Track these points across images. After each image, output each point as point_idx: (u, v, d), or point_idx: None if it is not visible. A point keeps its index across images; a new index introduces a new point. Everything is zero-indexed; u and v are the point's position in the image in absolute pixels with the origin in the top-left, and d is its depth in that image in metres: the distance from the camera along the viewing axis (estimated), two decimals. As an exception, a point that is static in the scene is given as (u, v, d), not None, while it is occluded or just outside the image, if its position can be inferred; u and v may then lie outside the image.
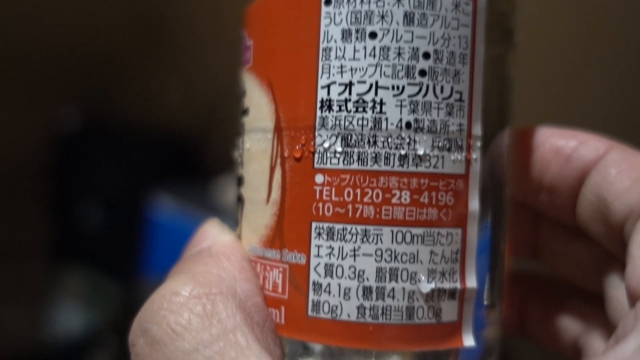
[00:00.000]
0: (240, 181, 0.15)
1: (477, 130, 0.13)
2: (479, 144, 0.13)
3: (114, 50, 0.56)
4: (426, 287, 0.12)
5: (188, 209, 0.41)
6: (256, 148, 0.14)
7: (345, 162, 0.12)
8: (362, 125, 0.12)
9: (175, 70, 0.58)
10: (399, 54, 0.12)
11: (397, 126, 0.12)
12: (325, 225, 0.12)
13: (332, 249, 0.12)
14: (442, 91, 0.12)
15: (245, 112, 0.14)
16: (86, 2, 0.54)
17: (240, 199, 0.14)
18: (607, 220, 0.13)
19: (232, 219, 0.15)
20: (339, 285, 0.12)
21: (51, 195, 0.55)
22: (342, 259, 0.12)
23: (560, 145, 0.14)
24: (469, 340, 0.12)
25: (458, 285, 0.12)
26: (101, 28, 0.54)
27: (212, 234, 0.14)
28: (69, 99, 0.54)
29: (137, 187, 0.48)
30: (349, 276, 0.12)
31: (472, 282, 0.13)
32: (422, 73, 0.12)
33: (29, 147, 0.52)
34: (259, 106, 0.14)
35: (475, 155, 0.13)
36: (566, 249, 0.15)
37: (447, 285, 0.12)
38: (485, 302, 0.13)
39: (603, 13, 0.32)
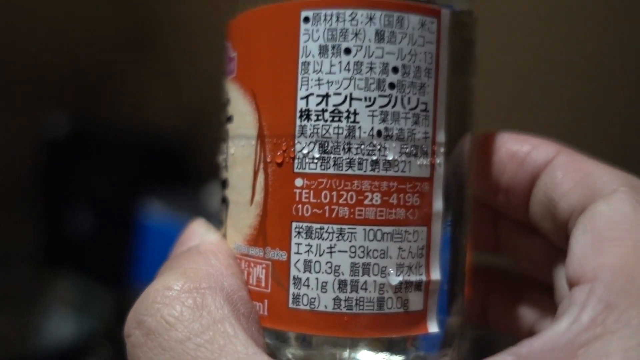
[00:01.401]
0: (225, 184, 0.16)
1: (441, 137, 0.14)
2: (442, 149, 0.14)
3: (104, 56, 0.55)
4: (395, 280, 0.13)
5: (178, 215, 0.41)
6: (240, 153, 0.15)
7: (323, 167, 0.13)
8: (338, 134, 0.13)
9: (165, 76, 0.58)
10: (371, 68, 0.13)
11: (369, 134, 0.13)
12: (305, 224, 0.13)
13: (311, 246, 0.13)
14: (409, 102, 0.14)
15: (229, 119, 0.15)
16: (75, 8, 0.53)
17: (225, 201, 0.16)
18: (554, 218, 0.14)
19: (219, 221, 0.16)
20: (317, 279, 0.13)
21: (41, 202, 0.54)
22: (320, 255, 0.13)
23: (515, 150, 0.15)
24: (433, 327, 0.14)
25: (423, 277, 0.14)
26: (90, 34, 0.54)
27: (200, 233, 0.15)
28: (58, 105, 0.54)
29: (127, 193, 0.48)
30: (325, 271, 0.13)
31: (436, 274, 0.14)
32: (392, 86, 0.14)
33: (18, 153, 0.52)
34: (242, 114, 0.15)
35: (439, 160, 0.14)
36: (522, 244, 0.17)
37: (413, 278, 0.14)
38: (448, 293, 0.14)
39: (560, 22, 0.34)
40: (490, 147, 0.16)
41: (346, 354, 0.14)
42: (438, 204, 0.14)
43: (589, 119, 0.33)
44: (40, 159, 0.54)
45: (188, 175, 0.56)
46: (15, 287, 0.50)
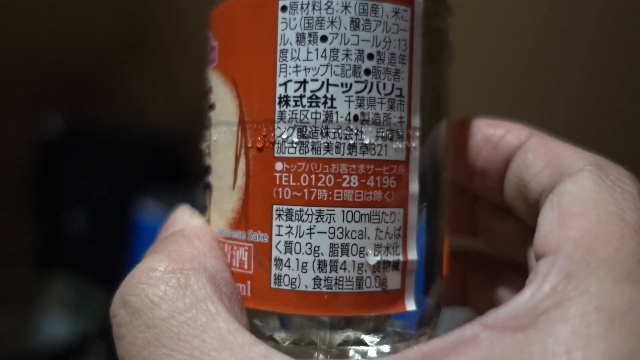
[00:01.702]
0: (207, 170, 0.16)
1: (416, 121, 0.15)
2: (417, 133, 0.15)
3: (99, 56, 0.55)
4: (373, 259, 0.14)
5: None
6: (222, 140, 0.15)
7: (301, 151, 0.14)
8: (316, 119, 0.14)
9: (160, 76, 0.58)
10: (347, 55, 0.14)
11: (346, 119, 0.14)
12: (285, 207, 0.14)
13: (291, 228, 0.14)
14: (384, 88, 0.14)
15: (212, 107, 0.16)
16: (70, 8, 0.53)
17: (208, 187, 0.16)
18: (526, 199, 0.15)
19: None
20: (298, 260, 0.14)
21: (36, 202, 0.54)
22: (300, 236, 0.14)
23: (490, 134, 0.16)
24: (411, 306, 0.14)
25: (401, 257, 0.14)
26: (86, 34, 0.54)
27: (184, 218, 0.15)
28: (53, 105, 0.53)
29: (123, 193, 0.48)
30: (306, 252, 0.14)
31: (413, 255, 0.14)
32: (367, 72, 0.14)
33: (13, 153, 0.52)
34: (224, 102, 0.15)
35: (415, 143, 0.15)
36: (498, 226, 0.17)
37: (391, 258, 0.14)
38: (425, 273, 0.15)
39: (537, 12, 0.34)
40: (466, 132, 0.17)
41: (327, 331, 0.14)
42: (414, 186, 0.15)
43: (565, 106, 0.34)
44: (35, 159, 0.54)
45: (183, 174, 0.56)
46: (10, 287, 0.50)
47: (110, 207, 0.51)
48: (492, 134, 0.16)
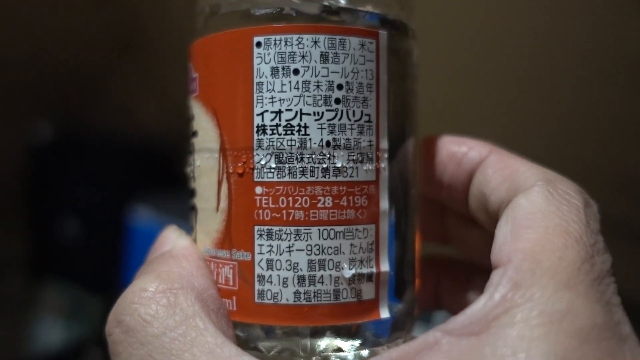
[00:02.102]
0: (193, 193, 0.17)
1: (384, 144, 0.16)
2: (386, 155, 0.16)
3: (89, 61, 0.55)
4: (348, 273, 0.15)
5: (167, 220, 0.42)
6: (205, 165, 0.16)
7: (279, 175, 0.15)
8: (291, 145, 0.15)
9: (151, 80, 0.58)
10: (318, 86, 0.15)
11: (319, 145, 0.15)
12: (265, 227, 0.15)
13: (272, 247, 0.15)
14: (354, 115, 0.15)
15: (194, 134, 0.17)
16: (59, 13, 0.53)
17: (194, 208, 0.17)
18: (487, 211, 0.16)
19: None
20: (279, 276, 0.15)
21: (28, 210, 0.54)
22: (280, 254, 0.15)
23: (454, 151, 0.17)
24: (385, 313, 0.16)
25: (374, 270, 0.16)
26: (75, 39, 0.54)
27: (172, 239, 0.16)
28: (44, 111, 0.53)
29: (115, 199, 0.48)
30: (286, 268, 0.15)
31: (385, 266, 0.16)
32: (337, 101, 0.15)
33: (3, 160, 0.52)
34: (205, 130, 0.16)
35: (384, 164, 0.16)
36: (466, 235, 0.19)
37: (365, 270, 0.15)
38: (397, 282, 0.16)
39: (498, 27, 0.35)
40: (433, 149, 0.18)
41: (308, 340, 0.15)
42: (384, 204, 0.16)
43: (526, 122, 0.35)
44: (26, 167, 0.53)
45: (176, 179, 0.56)
46: (4, 295, 0.50)
47: (102, 213, 0.51)
48: (456, 151, 0.17)
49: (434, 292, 0.20)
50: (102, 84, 0.57)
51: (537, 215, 0.14)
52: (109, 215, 0.48)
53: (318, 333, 0.15)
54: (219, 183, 0.16)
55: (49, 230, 0.53)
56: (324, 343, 0.15)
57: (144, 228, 0.44)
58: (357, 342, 0.16)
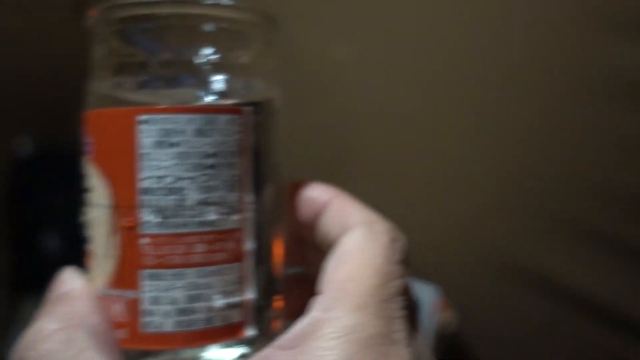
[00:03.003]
0: (88, 239, 0.20)
1: (250, 197, 0.20)
2: (250, 206, 0.20)
3: (69, 76, 0.53)
4: (219, 303, 0.19)
5: None
6: (98, 217, 0.19)
7: (161, 228, 0.19)
8: (171, 204, 0.19)
9: None
10: (193, 155, 0.19)
11: (194, 203, 0.19)
12: (151, 271, 0.19)
13: (156, 286, 0.19)
14: (223, 177, 0.19)
15: (88, 189, 0.20)
16: (36, 27, 0.50)
17: (89, 252, 0.20)
18: (328, 246, 0.21)
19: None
20: (162, 309, 0.19)
21: (8, 225, 0.51)
22: (163, 292, 0.19)
23: (307, 196, 0.22)
24: (249, 332, 0.20)
25: (240, 298, 0.20)
26: (55, 54, 0.51)
27: (69, 280, 0.19)
28: (24, 125, 0.51)
29: None
30: (168, 303, 0.19)
31: (250, 294, 0.20)
32: (210, 167, 0.19)
33: None
34: (98, 189, 0.19)
35: (249, 214, 0.20)
36: (319, 261, 0.23)
37: (233, 300, 0.19)
38: (260, 305, 0.20)
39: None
40: (294, 194, 0.22)
41: (191, 353, 0.19)
42: (249, 245, 0.20)
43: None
44: (6, 181, 0.51)
45: None
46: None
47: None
48: (309, 195, 0.22)
49: (301, 303, 0.25)
50: (81, 97, 0.55)
51: (352, 252, 0.18)
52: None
53: (195, 351, 0.19)
54: (111, 234, 0.19)
55: (31, 246, 0.51)
56: (208, 355, 0.19)
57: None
58: (233, 352, 0.20)
